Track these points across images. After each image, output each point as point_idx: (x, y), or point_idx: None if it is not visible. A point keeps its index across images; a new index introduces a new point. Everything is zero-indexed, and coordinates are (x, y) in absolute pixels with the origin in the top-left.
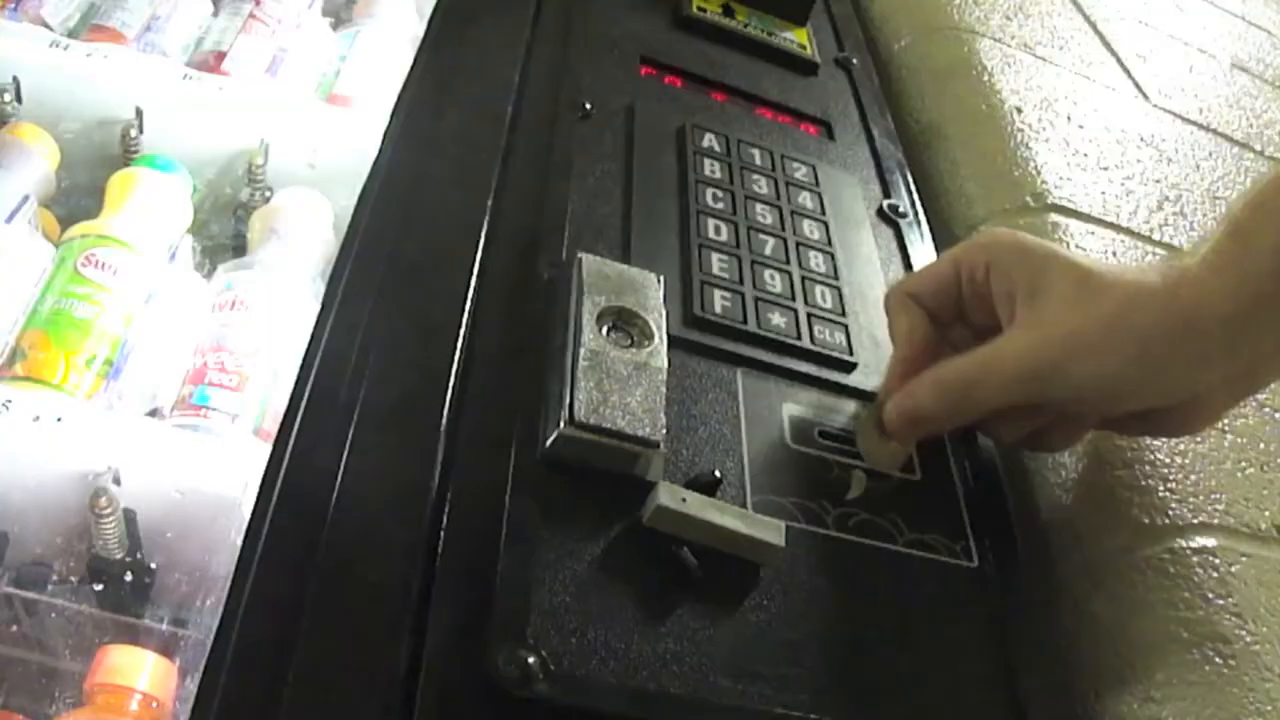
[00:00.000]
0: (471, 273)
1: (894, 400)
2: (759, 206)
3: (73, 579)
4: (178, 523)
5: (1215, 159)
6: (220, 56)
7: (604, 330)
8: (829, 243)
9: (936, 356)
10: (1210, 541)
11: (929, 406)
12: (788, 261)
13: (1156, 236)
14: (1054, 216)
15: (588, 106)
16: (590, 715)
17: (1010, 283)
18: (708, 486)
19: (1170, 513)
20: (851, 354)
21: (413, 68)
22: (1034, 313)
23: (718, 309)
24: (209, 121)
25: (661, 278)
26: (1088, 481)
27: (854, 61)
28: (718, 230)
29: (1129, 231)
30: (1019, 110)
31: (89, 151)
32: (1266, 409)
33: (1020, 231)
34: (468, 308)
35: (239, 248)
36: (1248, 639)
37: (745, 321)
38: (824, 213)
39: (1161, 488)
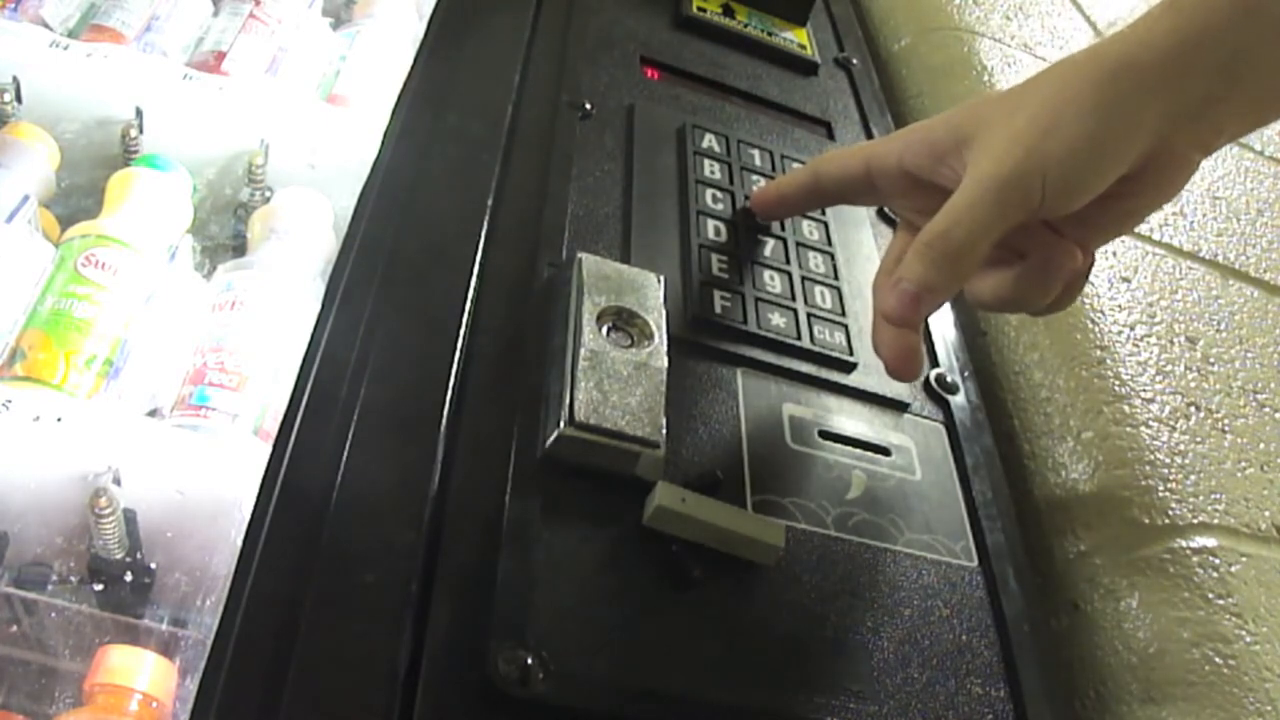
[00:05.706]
0: (471, 273)
1: (884, 289)
2: None
3: (73, 579)
4: (178, 523)
5: (1215, 159)
6: (220, 56)
7: (604, 330)
8: (829, 243)
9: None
10: (1210, 541)
11: (922, 272)
12: (788, 262)
13: (1156, 236)
14: None
15: (588, 106)
16: (589, 715)
17: (938, 148)
18: (708, 486)
19: (1170, 513)
20: (851, 354)
21: (413, 68)
22: (978, 145)
23: (718, 309)
24: (209, 121)
25: (661, 278)
26: (1087, 481)
27: (854, 61)
28: (718, 231)
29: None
30: None
31: (89, 151)
32: (1266, 409)
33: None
34: (467, 308)
35: (239, 248)
36: (1248, 639)
37: (745, 322)
38: (824, 213)
39: (1161, 488)
